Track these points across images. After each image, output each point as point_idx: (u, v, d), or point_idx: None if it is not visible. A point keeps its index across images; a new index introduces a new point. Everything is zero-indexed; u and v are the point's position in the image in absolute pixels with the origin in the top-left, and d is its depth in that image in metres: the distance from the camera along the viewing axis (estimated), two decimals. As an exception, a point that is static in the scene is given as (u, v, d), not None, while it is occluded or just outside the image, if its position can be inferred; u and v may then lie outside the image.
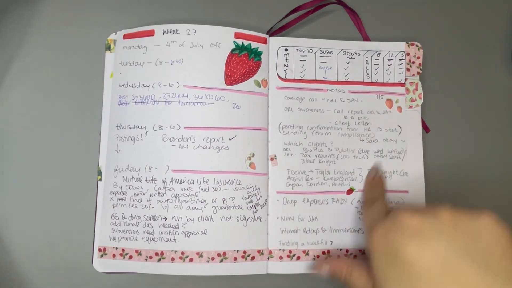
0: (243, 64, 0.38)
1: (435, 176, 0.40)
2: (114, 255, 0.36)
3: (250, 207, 0.37)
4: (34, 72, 0.39)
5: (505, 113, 0.42)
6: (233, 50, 0.38)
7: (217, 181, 0.36)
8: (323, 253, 0.37)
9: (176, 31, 0.38)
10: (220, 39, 0.38)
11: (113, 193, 0.36)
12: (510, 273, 0.23)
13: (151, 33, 0.38)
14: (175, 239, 0.36)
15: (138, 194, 0.36)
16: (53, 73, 0.39)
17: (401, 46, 0.40)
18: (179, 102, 0.37)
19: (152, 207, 0.36)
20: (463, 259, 0.24)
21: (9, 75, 0.39)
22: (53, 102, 0.39)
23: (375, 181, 0.37)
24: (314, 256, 0.37)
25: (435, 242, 0.25)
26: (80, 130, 0.39)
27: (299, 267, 0.37)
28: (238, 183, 0.37)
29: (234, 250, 0.36)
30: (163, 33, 0.38)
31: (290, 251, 0.37)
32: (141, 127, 0.37)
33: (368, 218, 0.34)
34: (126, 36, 0.38)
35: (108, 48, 0.39)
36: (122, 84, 0.38)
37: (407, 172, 0.39)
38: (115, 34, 0.39)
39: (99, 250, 0.36)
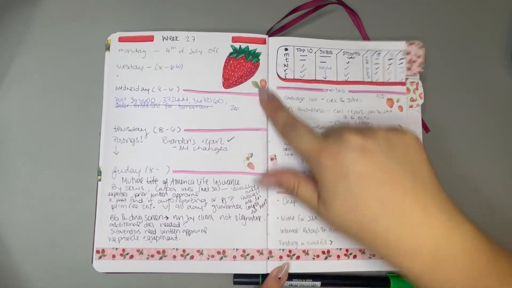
0: (240, 66, 0.39)
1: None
2: (114, 256, 0.36)
3: (248, 206, 0.37)
4: (34, 72, 0.39)
5: (505, 113, 0.41)
6: (230, 54, 0.39)
7: (216, 181, 0.37)
8: (323, 252, 0.37)
9: (176, 38, 0.39)
10: (218, 44, 0.39)
11: (111, 195, 0.37)
12: (424, 176, 0.30)
13: (150, 39, 0.39)
14: (176, 237, 0.36)
15: (138, 195, 0.37)
16: (53, 73, 0.40)
17: (401, 45, 0.40)
18: (179, 105, 0.38)
19: (154, 207, 0.37)
20: (396, 166, 0.30)
21: (9, 75, 0.39)
22: (53, 102, 0.39)
23: (272, 101, 0.37)
24: (314, 255, 0.37)
25: (376, 153, 0.30)
26: (80, 129, 0.39)
27: (299, 267, 0.37)
28: (236, 183, 0.37)
29: (233, 249, 0.36)
30: (163, 39, 0.39)
31: (290, 251, 0.37)
32: (141, 130, 0.38)
33: (303, 143, 0.33)
34: (122, 39, 0.39)
35: (108, 48, 0.39)
36: (120, 87, 0.38)
37: (407, 172, 0.39)
38: (115, 33, 0.39)
39: (97, 251, 0.36)
